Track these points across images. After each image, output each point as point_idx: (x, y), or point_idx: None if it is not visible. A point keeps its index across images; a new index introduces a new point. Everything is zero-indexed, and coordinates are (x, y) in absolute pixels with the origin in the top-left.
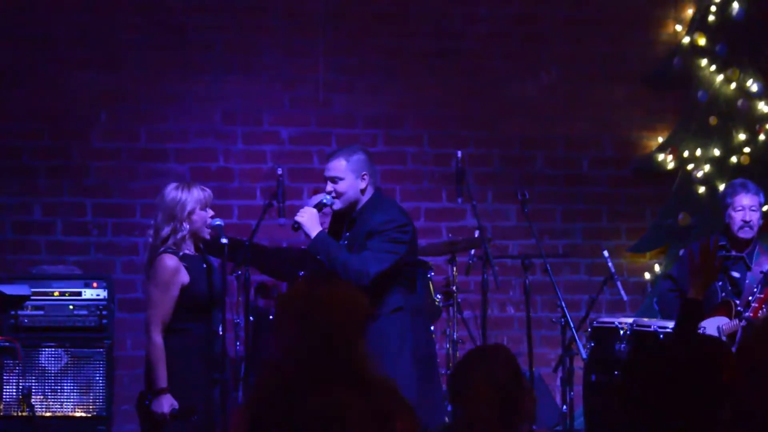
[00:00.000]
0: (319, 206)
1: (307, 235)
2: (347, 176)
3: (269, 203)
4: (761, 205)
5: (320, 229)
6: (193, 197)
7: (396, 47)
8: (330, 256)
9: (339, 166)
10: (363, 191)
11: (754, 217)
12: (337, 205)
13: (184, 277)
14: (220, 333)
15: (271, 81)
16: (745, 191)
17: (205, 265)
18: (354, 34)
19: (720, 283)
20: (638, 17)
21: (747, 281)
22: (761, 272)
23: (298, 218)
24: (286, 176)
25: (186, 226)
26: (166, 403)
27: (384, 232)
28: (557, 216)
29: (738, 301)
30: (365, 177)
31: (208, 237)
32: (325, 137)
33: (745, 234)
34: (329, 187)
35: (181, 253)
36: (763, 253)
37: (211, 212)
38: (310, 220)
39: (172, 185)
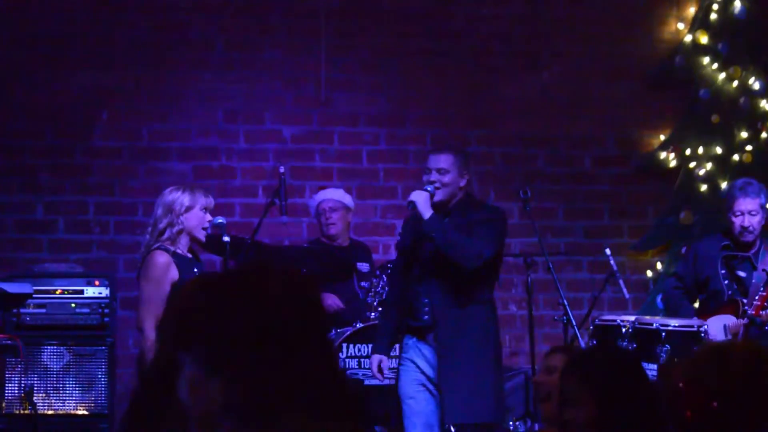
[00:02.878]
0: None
1: (420, 215)
2: (453, 171)
3: (271, 201)
4: (763, 207)
5: (432, 211)
6: (192, 196)
7: (398, 46)
8: (446, 234)
9: (448, 159)
10: (461, 189)
11: (754, 222)
12: (438, 195)
13: (174, 274)
14: None
15: (272, 79)
16: (743, 196)
17: (195, 270)
18: (356, 33)
19: (726, 282)
20: (640, 16)
21: (753, 280)
22: (763, 269)
23: (413, 198)
24: (288, 175)
25: (182, 221)
26: None
27: (494, 222)
28: (559, 214)
29: (745, 301)
30: (465, 176)
31: (203, 239)
32: (327, 136)
33: (746, 238)
34: (434, 176)
35: (172, 250)
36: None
37: (209, 216)
38: (424, 201)
39: (174, 186)
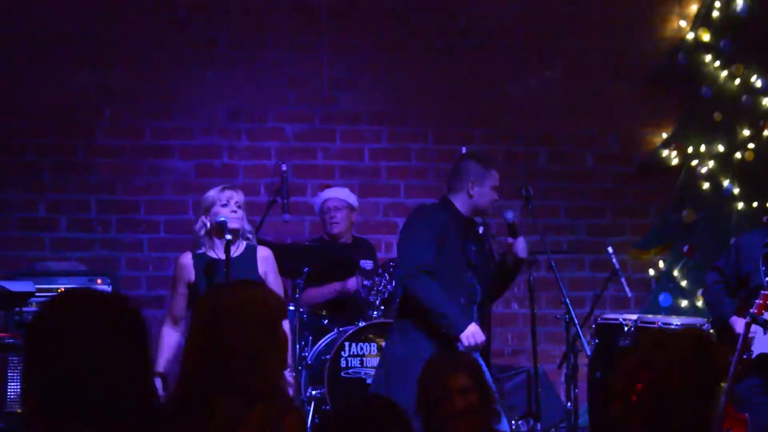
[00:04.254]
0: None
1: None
2: None
3: (273, 200)
4: None
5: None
6: (215, 194)
7: (400, 43)
8: None
9: None
10: None
11: None
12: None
13: (190, 275)
14: None
15: (275, 78)
16: None
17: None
18: (358, 31)
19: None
20: (642, 13)
21: None
22: None
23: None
24: (291, 173)
25: (206, 221)
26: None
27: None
28: (561, 212)
29: None
30: None
31: (228, 236)
32: (330, 134)
33: None
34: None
35: (200, 251)
36: None
37: (237, 213)
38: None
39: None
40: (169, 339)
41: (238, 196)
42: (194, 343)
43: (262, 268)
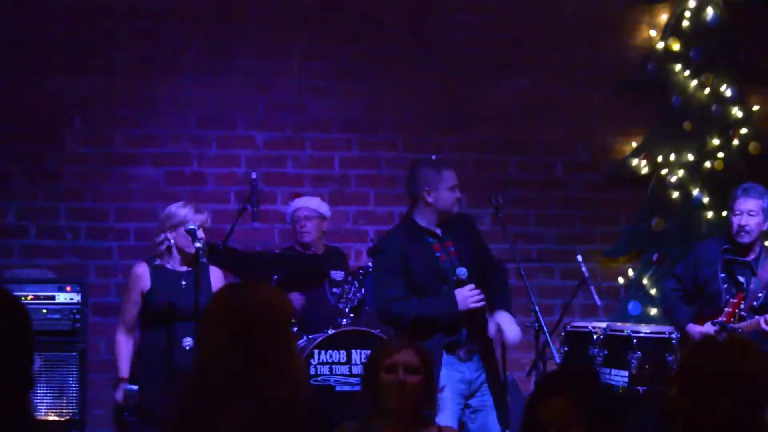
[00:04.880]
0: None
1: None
2: None
3: (243, 208)
4: (764, 210)
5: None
6: (182, 213)
7: (371, 52)
8: None
9: None
10: None
11: (752, 222)
12: None
13: (146, 284)
14: (187, 347)
15: (245, 85)
16: (744, 196)
17: (184, 282)
18: (329, 39)
19: (725, 286)
20: (612, 23)
21: (752, 286)
22: (760, 278)
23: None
24: (261, 181)
25: (170, 236)
26: (120, 391)
27: None
28: (531, 221)
29: (743, 305)
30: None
31: (192, 251)
32: (300, 142)
33: (742, 239)
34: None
35: (156, 262)
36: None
37: (201, 234)
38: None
39: (177, 203)
40: (127, 347)
41: (205, 219)
42: (216, 346)
43: (215, 284)
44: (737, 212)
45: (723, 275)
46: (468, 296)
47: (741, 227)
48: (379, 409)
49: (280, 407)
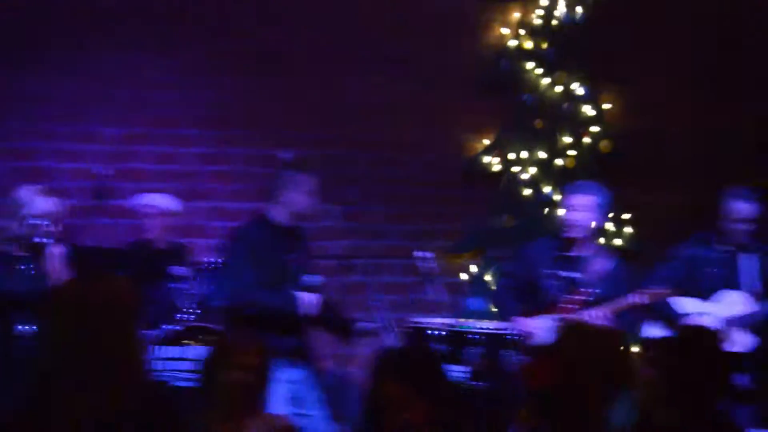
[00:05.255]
0: None
1: None
2: None
3: (93, 203)
4: (595, 206)
5: None
6: (29, 199)
7: (224, 46)
8: None
9: None
10: None
11: (581, 217)
12: None
13: None
14: (22, 335)
15: (94, 80)
16: (575, 191)
17: (23, 267)
18: (180, 33)
19: (557, 282)
20: (466, 20)
21: (582, 282)
22: (590, 274)
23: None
24: (110, 176)
25: (13, 224)
26: None
27: None
28: (379, 217)
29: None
30: None
31: (36, 240)
32: (151, 138)
33: (571, 234)
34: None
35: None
36: (602, 256)
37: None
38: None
39: (28, 187)
40: None
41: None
42: (63, 338)
43: (55, 272)
44: (567, 207)
45: (555, 271)
46: (312, 303)
47: (569, 221)
48: (217, 405)
49: (128, 400)
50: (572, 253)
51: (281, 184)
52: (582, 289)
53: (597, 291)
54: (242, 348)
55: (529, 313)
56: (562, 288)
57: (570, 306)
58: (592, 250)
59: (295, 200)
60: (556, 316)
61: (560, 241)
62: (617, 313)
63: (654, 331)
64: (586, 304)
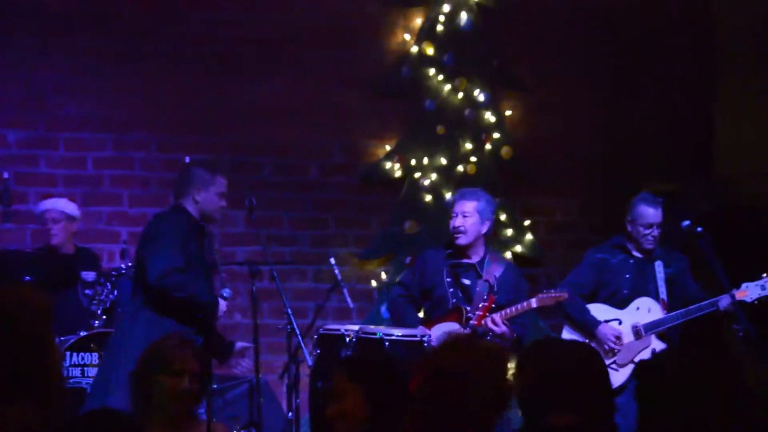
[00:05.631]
0: None
1: None
2: None
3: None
4: (478, 211)
5: None
6: None
7: (126, 50)
8: None
9: None
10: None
11: (467, 223)
12: None
13: None
14: None
15: None
16: (460, 198)
17: None
18: (84, 36)
19: (451, 290)
20: (368, 25)
21: (477, 288)
22: (485, 280)
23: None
24: (12, 180)
25: None
26: None
27: None
28: (285, 223)
29: (469, 308)
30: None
31: None
32: (53, 141)
33: (459, 240)
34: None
35: None
36: (494, 261)
37: None
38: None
39: None
40: None
41: None
42: None
43: None
44: (453, 214)
45: (449, 279)
46: (224, 311)
47: (455, 228)
48: (155, 413)
49: (46, 409)
50: (464, 260)
51: (195, 183)
52: (476, 296)
53: (491, 297)
54: (181, 353)
55: (429, 322)
56: (458, 296)
57: (467, 314)
58: (484, 256)
59: (206, 200)
60: (454, 324)
61: (452, 249)
62: (510, 319)
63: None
64: (483, 311)
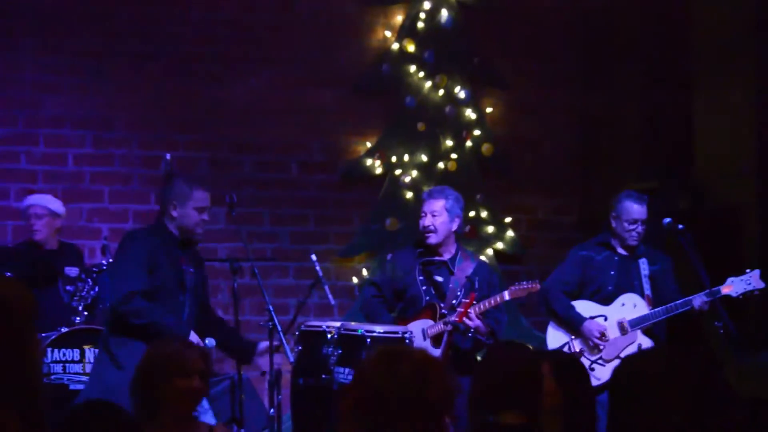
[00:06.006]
0: None
1: None
2: None
3: None
4: (446, 210)
5: None
6: None
7: (107, 48)
8: None
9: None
10: None
11: (436, 222)
12: None
13: None
14: None
15: None
16: (428, 197)
17: None
18: (64, 34)
19: (424, 288)
20: (349, 23)
21: (450, 285)
22: (466, 277)
23: None
24: None
25: None
26: None
27: None
28: (266, 220)
29: (442, 305)
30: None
31: None
32: (33, 138)
33: (429, 240)
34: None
35: None
36: (466, 258)
37: None
38: None
39: None
40: None
41: None
42: None
43: None
44: (422, 214)
45: (421, 278)
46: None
47: (425, 228)
48: (159, 414)
49: (26, 407)
50: (435, 258)
51: (172, 197)
52: (449, 293)
53: (472, 294)
54: (190, 354)
55: (403, 320)
56: (431, 293)
57: (441, 310)
58: (456, 253)
59: (183, 216)
60: (428, 321)
61: (423, 247)
62: (483, 313)
63: (556, 336)
64: (453, 309)
